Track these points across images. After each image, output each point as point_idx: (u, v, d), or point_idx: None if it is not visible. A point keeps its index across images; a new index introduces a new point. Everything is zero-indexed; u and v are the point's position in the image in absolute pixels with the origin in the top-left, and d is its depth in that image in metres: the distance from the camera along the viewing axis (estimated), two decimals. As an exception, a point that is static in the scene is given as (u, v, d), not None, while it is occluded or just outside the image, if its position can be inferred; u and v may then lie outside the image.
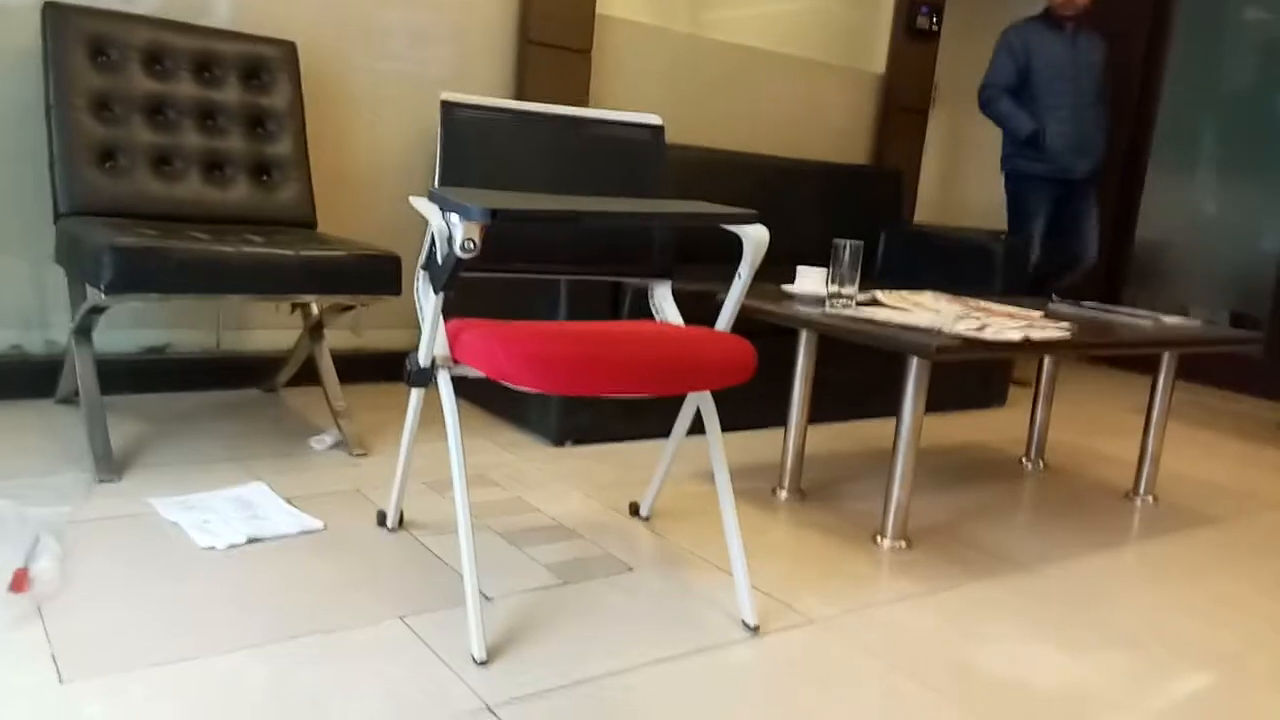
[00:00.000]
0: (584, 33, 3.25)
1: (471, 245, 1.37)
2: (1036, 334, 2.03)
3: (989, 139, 4.24)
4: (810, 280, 2.33)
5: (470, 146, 1.84)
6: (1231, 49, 4.64)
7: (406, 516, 1.97)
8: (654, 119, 2.01)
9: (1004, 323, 2.11)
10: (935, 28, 4.19)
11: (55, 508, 1.85)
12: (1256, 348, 3.49)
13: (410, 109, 3.04)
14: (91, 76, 2.36)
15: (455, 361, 1.59)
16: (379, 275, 2.21)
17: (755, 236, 1.67)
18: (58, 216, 2.29)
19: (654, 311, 1.96)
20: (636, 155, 2.01)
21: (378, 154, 3.01)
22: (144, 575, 1.61)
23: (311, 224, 2.60)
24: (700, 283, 2.34)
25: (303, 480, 2.13)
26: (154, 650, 1.38)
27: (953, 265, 3.62)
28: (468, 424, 2.70)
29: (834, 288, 2.11)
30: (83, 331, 2.13)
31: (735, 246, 1.71)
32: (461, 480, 1.52)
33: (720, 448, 1.71)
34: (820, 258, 2.40)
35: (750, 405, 2.73)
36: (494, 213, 1.31)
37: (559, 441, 2.58)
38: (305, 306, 2.54)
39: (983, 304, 2.47)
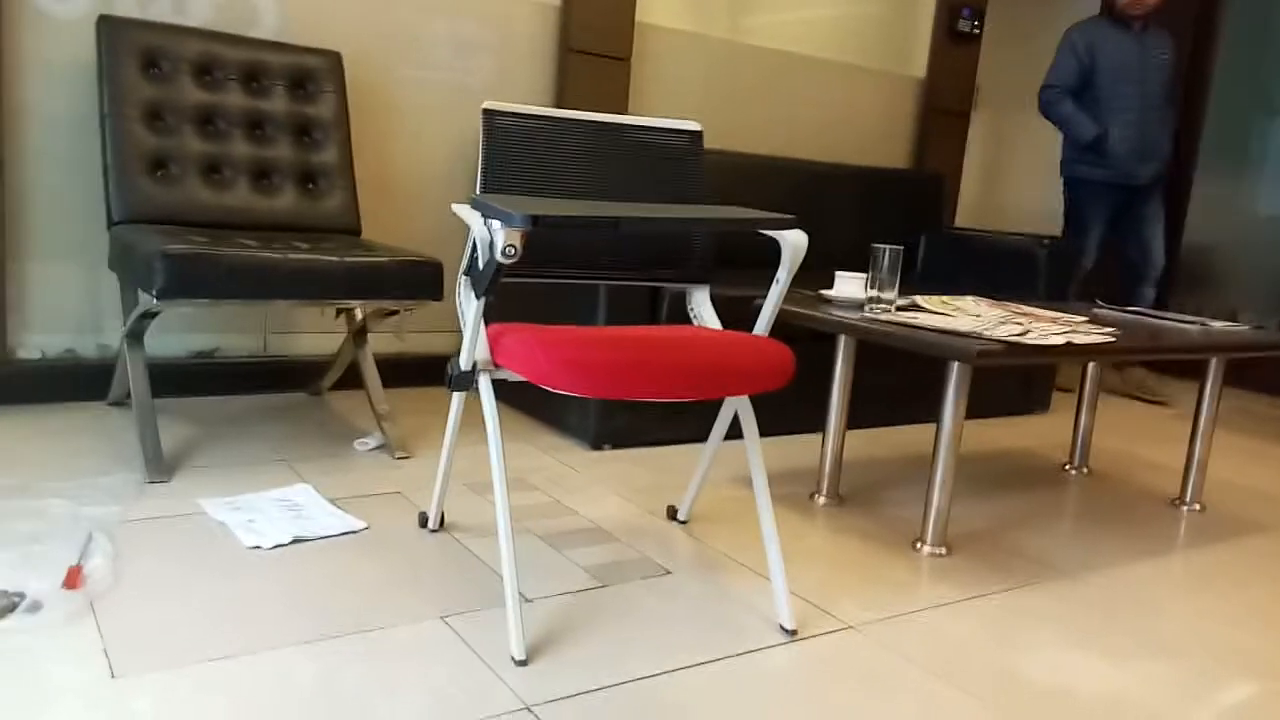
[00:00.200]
0: (624, 40, 3.27)
1: (513, 251, 1.39)
2: (1080, 338, 2.01)
3: (1031, 142, 4.20)
4: (849, 285, 2.33)
5: (511, 154, 1.86)
6: (1282, 50, 4.55)
7: (448, 518, 1.99)
8: (693, 125, 2.03)
9: (1047, 327, 2.09)
10: (977, 30, 4.15)
11: (107, 507, 1.90)
12: (1307, 353, 3.41)
13: (453, 118, 3.08)
14: (144, 87, 2.42)
15: (496, 365, 1.61)
16: (421, 281, 2.25)
17: (793, 241, 1.68)
18: (110, 224, 2.35)
19: (692, 317, 1.97)
20: (675, 161, 2.02)
21: (421, 162, 3.05)
22: (193, 574, 1.65)
23: (356, 231, 2.64)
24: (739, 288, 2.35)
25: (347, 482, 2.17)
26: (203, 646, 1.42)
27: (995, 270, 3.59)
28: (508, 427, 2.72)
29: (873, 292, 2.11)
30: (134, 336, 2.18)
31: (774, 251, 1.71)
32: (501, 483, 1.54)
33: (758, 452, 1.71)
34: (859, 262, 2.40)
35: (789, 410, 2.72)
36: (535, 219, 1.33)
37: (597, 445, 2.60)
38: (350, 311, 2.58)
39: (1025, 309, 2.45)
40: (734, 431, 1.80)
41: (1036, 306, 2.60)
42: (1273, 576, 2.12)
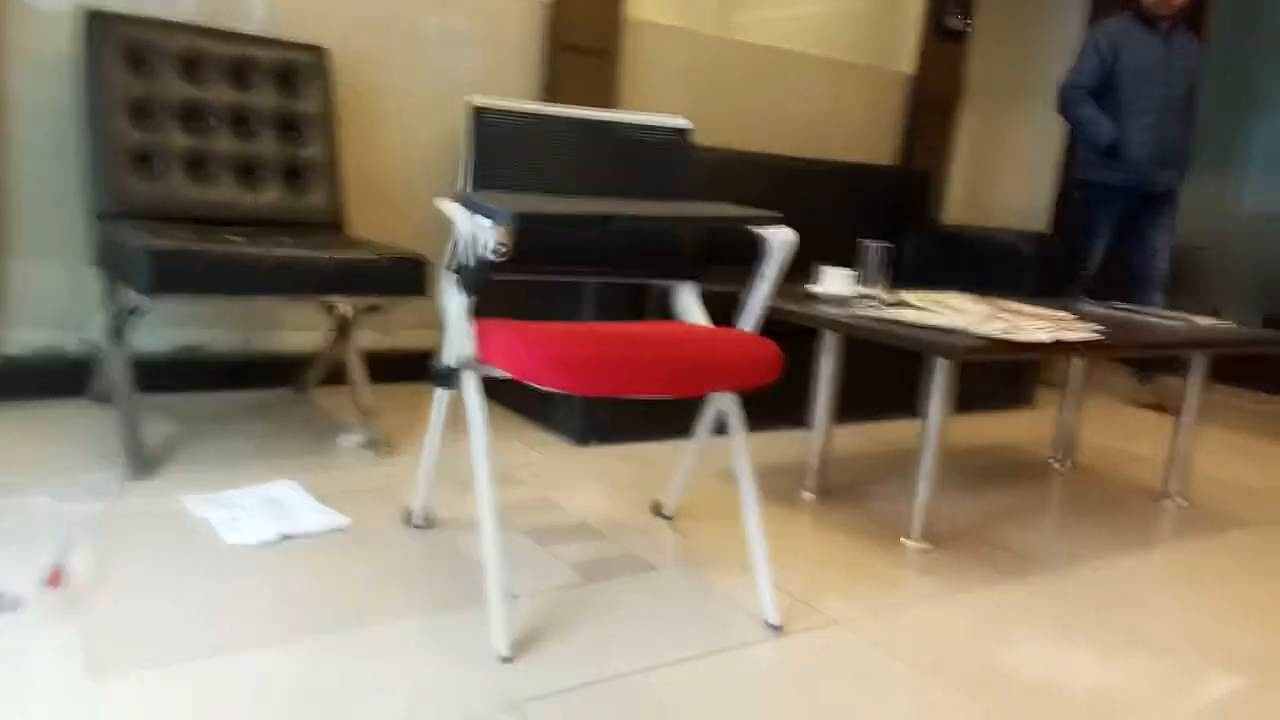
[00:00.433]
0: (612, 36, 3.27)
1: (504, 248, 1.38)
2: (1066, 335, 2.01)
3: (1019, 138, 4.20)
4: (835, 281, 2.33)
5: (499, 150, 1.86)
6: (1268, 49, 4.57)
7: (434, 514, 1.99)
8: (682, 121, 2.02)
9: (1033, 324, 2.09)
10: (967, 27, 4.15)
11: (90, 505, 1.88)
12: (1289, 349, 3.43)
13: (440, 113, 3.07)
14: (129, 82, 2.40)
15: (481, 362, 1.60)
16: (405, 276, 2.24)
17: (780, 238, 1.68)
18: (95, 219, 2.33)
19: (680, 313, 1.97)
20: (664, 157, 2.02)
21: (407, 157, 3.04)
22: (175, 571, 1.64)
23: (341, 226, 2.63)
24: (727, 284, 2.34)
25: (331, 478, 2.16)
26: (185, 644, 1.41)
27: (982, 266, 3.59)
28: (494, 423, 2.71)
29: (860, 288, 2.11)
30: (117, 332, 2.17)
31: (762, 247, 1.71)
32: (485, 480, 1.54)
33: (744, 448, 1.71)
34: (847, 258, 2.40)
35: (775, 405, 2.72)
36: (520, 216, 1.33)
37: (583, 441, 2.59)
38: (335, 307, 2.57)
39: (1012, 305, 2.46)
40: (722, 426, 1.80)
41: (1023, 302, 2.60)
42: (1257, 571, 2.13)
